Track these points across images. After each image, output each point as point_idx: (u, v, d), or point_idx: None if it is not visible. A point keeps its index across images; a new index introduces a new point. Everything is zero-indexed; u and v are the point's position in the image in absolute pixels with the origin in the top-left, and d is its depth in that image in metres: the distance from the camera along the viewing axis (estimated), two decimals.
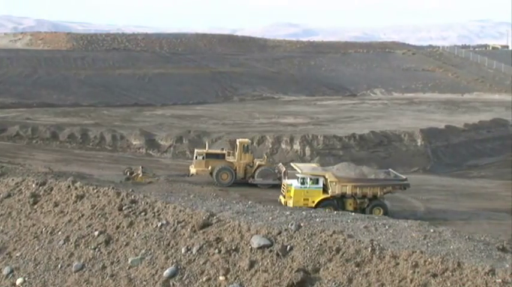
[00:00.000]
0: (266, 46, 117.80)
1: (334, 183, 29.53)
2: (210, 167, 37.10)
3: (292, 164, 34.20)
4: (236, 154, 37.70)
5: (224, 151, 38.72)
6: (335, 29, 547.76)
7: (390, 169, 33.09)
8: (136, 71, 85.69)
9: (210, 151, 38.72)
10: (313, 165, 34.10)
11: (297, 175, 30.36)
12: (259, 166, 37.15)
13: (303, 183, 29.64)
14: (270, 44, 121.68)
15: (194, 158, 38.04)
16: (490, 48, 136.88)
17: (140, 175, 35.52)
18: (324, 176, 29.90)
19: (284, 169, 36.77)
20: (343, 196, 29.66)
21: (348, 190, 29.56)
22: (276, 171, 36.80)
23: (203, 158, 37.54)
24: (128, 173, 36.08)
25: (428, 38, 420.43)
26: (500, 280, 8.03)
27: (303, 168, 31.48)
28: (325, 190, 29.80)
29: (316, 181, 29.72)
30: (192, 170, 37.60)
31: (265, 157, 39.12)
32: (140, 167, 36.88)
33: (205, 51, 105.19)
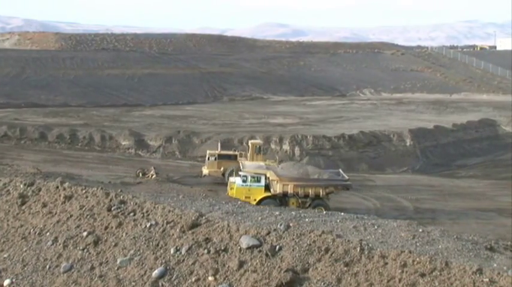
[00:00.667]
0: (255, 46, 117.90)
1: (275, 182, 30.01)
2: (222, 168, 37.30)
3: (240, 161, 34.80)
4: (248, 155, 37.76)
5: (236, 152, 38.76)
6: (324, 30, 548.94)
7: (340, 170, 33.66)
8: (126, 71, 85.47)
9: (222, 152, 38.81)
10: (261, 163, 34.58)
11: (240, 173, 31.02)
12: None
13: (244, 181, 30.22)
14: (260, 44, 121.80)
15: (206, 159, 38.20)
16: (478, 48, 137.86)
17: (154, 176, 35.53)
18: (266, 175, 30.34)
19: None
20: (285, 195, 29.95)
21: (290, 189, 29.89)
22: None
23: (215, 159, 37.76)
24: (141, 174, 36.07)
25: (417, 39, 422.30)
26: (487, 279, 8.08)
27: (248, 166, 32.28)
28: (268, 188, 30.19)
29: (258, 179, 30.27)
30: (205, 171, 37.84)
31: (276, 158, 38.89)
32: (152, 167, 36.99)
33: (195, 52, 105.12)
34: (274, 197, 29.79)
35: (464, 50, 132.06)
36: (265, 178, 30.28)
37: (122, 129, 51.42)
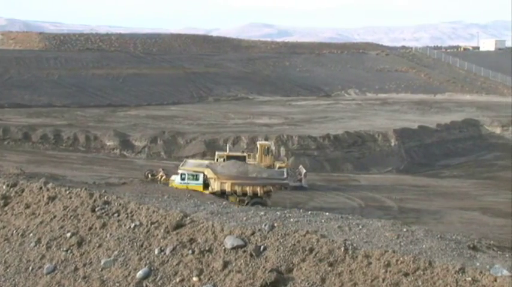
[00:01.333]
0: (241, 47, 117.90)
1: (213, 179, 30.57)
2: None
3: (186, 159, 35.20)
4: (257, 156, 37.94)
5: (245, 154, 38.80)
6: (309, 30, 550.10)
7: (285, 169, 34.56)
8: (110, 72, 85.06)
9: (231, 153, 38.84)
10: (203, 161, 35.02)
11: (178, 171, 31.65)
12: (279, 168, 37.25)
13: (183, 179, 30.98)
14: (245, 44, 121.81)
15: (215, 160, 38.12)
16: (462, 49, 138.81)
17: (164, 177, 35.46)
18: (204, 173, 30.92)
19: (304, 171, 37.38)
20: (224, 193, 30.32)
21: (227, 187, 30.43)
22: (297, 173, 37.05)
23: (224, 160, 37.64)
24: (150, 176, 36.03)
25: (401, 39, 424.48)
26: (470, 278, 8.13)
27: (188, 164, 33.06)
28: (207, 185, 30.83)
29: (196, 177, 30.93)
30: None
31: (286, 159, 38.79)
32: (161, 169, 36.99)
33: (180, 52, 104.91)
34: (213, 194, 30.02)
35: (448, 50, 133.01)
36: (204, 176, 30.87)
37: (106, 130, 51.20)
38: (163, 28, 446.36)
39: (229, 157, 37.78)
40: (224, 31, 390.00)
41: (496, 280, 7.98)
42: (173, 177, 32.21)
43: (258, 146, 38.72)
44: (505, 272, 8.20)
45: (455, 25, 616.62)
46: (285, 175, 32.52)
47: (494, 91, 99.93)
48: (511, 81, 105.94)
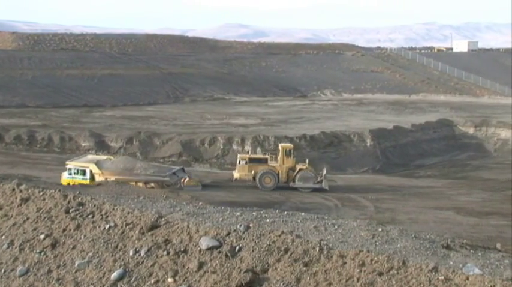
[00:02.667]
0: (217, 47, 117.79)
1: (98, 175, 31.63)
2: (253, 172, 37.46)
3: (86, 154, 36.53)
4: (279, 158, 37.96)
5: (267, 155, 38.85)
6: (285, 31, 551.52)
7: (183, 167, 36.06)
8: (85, 72, 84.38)
9: (253, 155, 39.08)
10: (103, 156, 35.71)
11: (66, 166, 32.87)
12: (299, 169, 37.45)
13: (70, 173, 32.17)
14: (221, 45, 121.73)
15: (237, 163, 38.33)
16: (435, 50, 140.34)
17: (187, 179, 35.88)
18: (89, 168, 32.06)
19: (325, 173, 37.36)
20: None
21: None
22: (318, 174, 37.16)
23: (246, 162, 37.88)
24: None
25: (377, 40, 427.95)
26: (442, 277, 8.22)
27: (78, 159, 34.13)
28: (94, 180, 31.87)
29: (83, 172, 32.07)
30: (236, 174, 38.00)
31: (307, 161, 38.82)
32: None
33: (156, 52, 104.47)
34: None
35: (423, 51, 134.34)
36: (90, 171, 31.89)
37: (81, 131, 50.77)
38: (139, 28, 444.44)
39: (251, 159, 38.14)
40: (200, 31, 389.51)
41: (468, 279, 8.09)
42: (64, 173, 33.27)
43: (280, 147, 38.90)
44: (477, 271, 8.32)
45: (429, 26, 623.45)
46: (169, 173, 33.20)
47: (467, 92, 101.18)
48: (483, 82, 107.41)
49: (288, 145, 39.92)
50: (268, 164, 37.92)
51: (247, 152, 39.97)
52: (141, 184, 31.56)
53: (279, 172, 37.67)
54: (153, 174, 32.42)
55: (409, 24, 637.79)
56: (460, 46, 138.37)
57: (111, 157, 36.38)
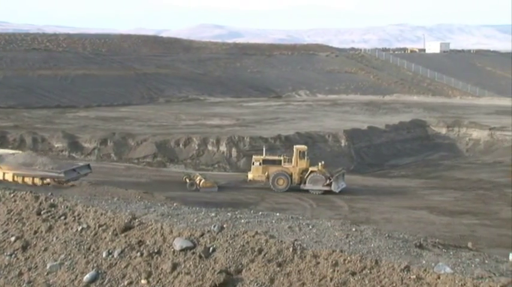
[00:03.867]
0: (191, 47, 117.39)
1: None
2: (266, 173, 37.48)
3: None
4: (293, 159, 37.90)
5: (281, 157, 38.76)
6: (260, 31, 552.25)
7: (89, 164, 36.17)
8: (58, 72, 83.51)
9: (267, 157, 38.89)
10: (10, 151, 36.24)
11: None
12: (311, 171, 37.35)
13: None
14: (196, 45, 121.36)
15: (252, 164, 38.39)
16: (409, 51, 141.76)
17: (203, 181, 36.22)
18: None
19: (336, 175, 37.09)
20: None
21: (9, 177, 31.69)
22: (328, 176, 36.91)
23: (260, 164, 37.94)
24: (187, 180, 36.79)
25: (350, 41, 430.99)
26: (414, 276, 8.30)
27: None
28: None
29: None
30: (250, 176, 38.10)
31: (321, 163, 38.53)
32: (198, 173, 37.91)
33: (130, 53, 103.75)
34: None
35: (396, 52, 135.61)
36: None
37: (54, 131, 50.24)
38: (112, 28, 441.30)
39: (265, 160, 38.21)
40: (174, 32, 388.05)
41: (439, 277, 8.17)
42: None
43: (294, 149, 38.88)
44: (448, 270, 8.41)
45: (402, 28, 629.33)
46: (65, 170, 33.19)
47: (440, 92, 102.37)
48: (455, 82, 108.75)
49: (302, 146, 39.86)
50: (281, 166, 37.96)
51: (262, 154, 39.58)
52: (37, 180, 31.69)
53: (292, 173, 37.65)
54: (49, 170, 32.54)
55: (382, 26, 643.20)
56: (433, 47, 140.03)
57: (19, 152, 36.56)
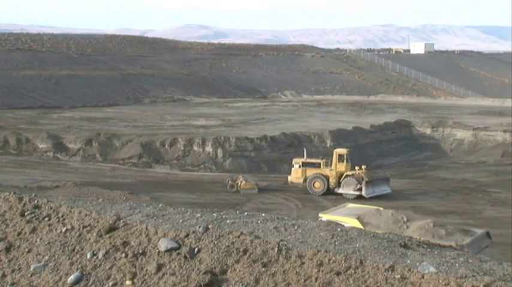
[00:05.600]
0: (177, 48, 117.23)
1: None
2: (304, 176, 37.42)
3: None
4: (332, 163, 37.66)
5: (320, 160, 38.43)
6: (245, 32, 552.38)
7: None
8: (43, 72, 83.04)
9: (307, 159, 38.66)
10: None
11: None
12: (346, 175, 36.98)
13: None
14: (181, 45, 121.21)
15: (291, 166, 38.32)
16: (393, 52, 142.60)
17: (243, 182, 36.54)
18: None
19: (367, 180, 36.40)
20: None
21: None
22: (359, 180, 36.45)
23: (299, 166, 37.79)
24: (230, 182, 37.18)
25: (336, 42, 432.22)
26: (399, 276, 8.33)
27: None
28: None
29: None
30: (289, 178, 38.11)
31: (363, 166, 38.07)
32: (240, 176, 38.24)
33: (115, 53, 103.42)
34: None
35: (381, 53, 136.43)
36: None
37: (39, 132, 49.93)
38: (97, 28, 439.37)
39: (304, 163, 38.01)
40: (160, 32, 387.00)
41: (423, 277, 8.21)
42: None
43: (334, 153, 38.54)
44: (432, 269, 8.46)
45: (387, 28, 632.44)
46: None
47: (424, 93, 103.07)
48: (439, 83, 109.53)
49: (342, 150, 39.17)
50: (320, 169, 37.66)
51: (303, 157, 39.23)
52: None
53: (329, 177, 37.32)
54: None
55: (367, 26, 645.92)
56: (417, 48, 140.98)
57: (357, 173, 36.66)
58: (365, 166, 38.13)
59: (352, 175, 37.13)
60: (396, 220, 23.36)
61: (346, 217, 23.95)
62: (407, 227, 22.57)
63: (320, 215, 25.76)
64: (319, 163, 38.23)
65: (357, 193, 36.32)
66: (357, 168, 37.65)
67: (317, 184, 37.43)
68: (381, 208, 25.58)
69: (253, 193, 36.98)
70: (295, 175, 38.24)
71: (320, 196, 37.04)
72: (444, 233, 21.88)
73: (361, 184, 36.31)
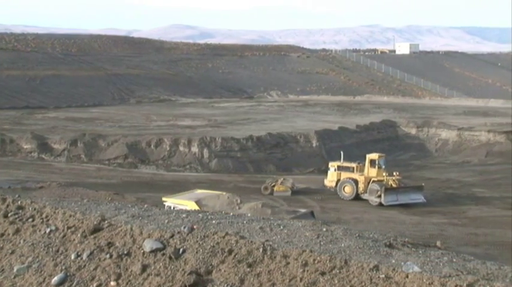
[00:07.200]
0: (163, 48, 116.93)
1: None
2: (337, 180, 37.19)
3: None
4: (365, 167, 37.18)
5: (353, 164, 37.94)
6: (231, 32, 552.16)
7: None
8: (27, 72, 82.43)
9: (343, 163, 38.30)
10: None
11: None
12: (372, 181, 36.35)
13: None
14: (167, 46, 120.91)
15: (328, 169, 38.24)
16: (379, 52, 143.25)
17: (277, 185, 36.84)
18: None
19: (381, 188, 35.47)
20: None
21: None
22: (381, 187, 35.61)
23: (335, 170, 37.57)
24: (266, 185, 37.97)
25: (322, 42, 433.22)
26: (383, 276, 8.37)
27: None
28: None
29: None
30: (325, 181, 37.98)
31: (396, 173, 37.26)
32: (282, 177, 38.68)
33: (100, 53, 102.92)
34: None
35: (366, 53, 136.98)
36: None
37: (23, 133, 49.56)
38: (82, 28, 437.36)
39: (339, 167, 37.70)
40: (146, 32, 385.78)
41: (407, 277, 8.26)
42: None
43: (366, 158, 37.85)
44: (416, 269, 8.50)
45: (372, 29, 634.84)
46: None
47: (409, 93, 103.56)
48: (424, 83, 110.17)
49: (374, 155, 38.30)
50: (352, 173, 37.14)
51: (340, 160, 38.83)
52: None
53: (358, 181, 36.71)
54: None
55: (353, 27, 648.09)
56: (402, 48, 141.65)
57: (223, 193, 36.00)
58: (397, 173, 37.26)
59: (379, 181, 36.31)
60: (231, 202, 26.02)
61: (186, 200, 25.95)
62: (239, 208, 25.04)
63: (164, 199, 27.10)
64: (353, 167, 37.68)
65: (377, 200, 35.49)
66: (384, 174, 36.59)
67: (347, 189, 36.90)
68: (224, 193, 28.05)
69: (287, 195, 37.02)
70: (330, 178, 37.84)
71: (349, 200, 36.44)
72: (270, 212, 24.39)
73: (380, 192, 35.44)
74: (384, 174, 36.69)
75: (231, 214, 13.03)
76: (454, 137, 57.84)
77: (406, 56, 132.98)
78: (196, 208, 23.25)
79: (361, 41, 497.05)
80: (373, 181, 36.36)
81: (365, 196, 36.49)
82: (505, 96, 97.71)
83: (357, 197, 36.73)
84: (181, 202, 25.47)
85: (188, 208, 19.25)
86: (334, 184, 37.59)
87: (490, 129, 57.29)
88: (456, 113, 68.27)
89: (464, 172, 48.63)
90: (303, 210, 27.65)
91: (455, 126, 59.04)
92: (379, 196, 35.47)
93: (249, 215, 13.88)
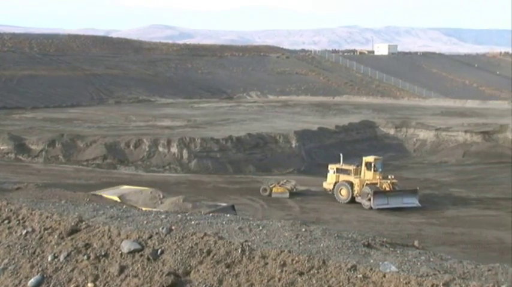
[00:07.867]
0: (142, 48, 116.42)
1: None
2: (335, 182, 36.87)
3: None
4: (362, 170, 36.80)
5: (351, 167, 37.45)
6: (211, 32, 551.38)
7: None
8: (3, 73, 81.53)
9: (342, 166, 37.93)
10: None
11: None
12: (366, 184, 35.93)
13: None
14: (146, 46, 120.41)
15: (327, 172, 37.96)
16: (358, 53, 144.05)
17: (275, 187, 36.96)
18: None
19: (372, 191, 35.09)
20: None
21: None
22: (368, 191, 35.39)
23: (334, 172, 37.29)
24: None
25: (301, 43, 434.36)
26: (361, 275, 8.40)
27: None
28: None
29: None
30: (324, 184, 37.73)
31: (391, 176, 36.88)
32: (285, 179, 39.26)
33: (79, 53, 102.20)
34: None
35: (345, 54, 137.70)
36: None
37: (0, 133, 48.99)
38: (60, 28, 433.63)
39: (338, 169, 37.38)
40: (124, 32, 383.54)
41: (384, 276, 8.29)
42: None
43: (362, 160, 37.33)
44: (393, 268, 8.54)
45: (351, 30, 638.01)
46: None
47: (388, 93, 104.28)
48: (402, 84, 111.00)
49: (370, 157, 37.71)
50: (348, 176, 36.72)
51: (340, 163, 38.40)
52: None
53: (353, 184, 36.36)
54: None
55: (332, 28, 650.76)
56: (381, 49, 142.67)
57: (146, 189, 35.63)
58: (392, 176, 37.04)
59: (373, 184, 36.06)
60: (153, 197, 26.52)
61: (111, 195, 26.22)
62: (161, 203, 25.60)
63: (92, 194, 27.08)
64: (350, 170, 37.33)
65: (369, 203, 35.19)
66: (377, 177, 36.37)
67: (343, 192, 36.64)
68: (147, 188, 28.56)
69: (285, 197, 36.97)
70: (329, 181, 37.58)
71: (345, 204, 36.19)
72: (191, 206, 24.96)
73: (370, 195, 35.22)
74: (378, 177, 36.45)
75: (210, 214, 13.01)
76: (431, 138, 58.35)
77: (385, 57, 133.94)
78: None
79: (340, 42, 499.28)
80: (367, 184, 36.11)
81: (358, 199, 36.25)
82: (482, 97, 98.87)
83: (353, 201, 36.38)
84: (106, 197, 25.08)
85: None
86: (332, 187, 37.35)
87: (467, 129, 57.90)
88: (434, 114, 68.88)
89: (442, 172, 49.09)
90: (223, 204, 28.12)
91: (433, 126, 59.56)
92: (369, 199, 35.27)
93: (228, 215, 13.84)
